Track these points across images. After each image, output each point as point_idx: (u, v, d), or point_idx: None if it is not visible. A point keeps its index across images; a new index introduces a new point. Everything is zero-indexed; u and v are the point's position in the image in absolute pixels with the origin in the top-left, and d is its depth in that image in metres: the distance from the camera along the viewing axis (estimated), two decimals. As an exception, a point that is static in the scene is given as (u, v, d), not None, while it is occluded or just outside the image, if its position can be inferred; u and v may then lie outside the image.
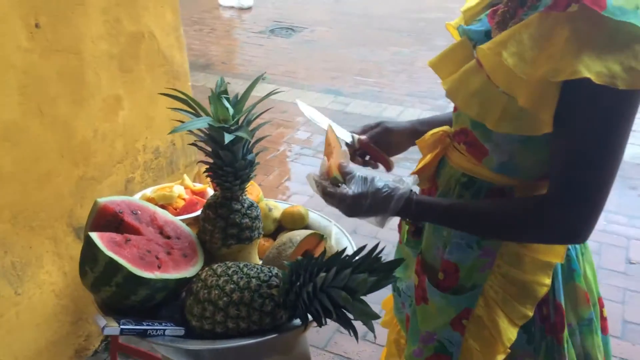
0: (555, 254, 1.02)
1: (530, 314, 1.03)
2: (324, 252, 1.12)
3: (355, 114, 4.33)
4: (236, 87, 4.37)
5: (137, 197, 1.46)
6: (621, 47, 0.78)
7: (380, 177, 1.02)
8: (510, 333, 1.04)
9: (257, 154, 1.28)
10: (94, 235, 1.09)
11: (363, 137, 1.25)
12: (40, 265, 1.82)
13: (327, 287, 1.06)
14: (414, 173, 1.14)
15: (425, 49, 5.73)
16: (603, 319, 1.15)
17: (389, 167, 1.27)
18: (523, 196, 1.02)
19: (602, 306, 1.15)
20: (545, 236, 0.96)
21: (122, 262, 1.08)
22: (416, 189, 1.12)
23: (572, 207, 0.88)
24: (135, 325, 1.08)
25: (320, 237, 1.36)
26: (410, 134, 1.24)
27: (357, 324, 1.07)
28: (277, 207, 1.51)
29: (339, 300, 1.05)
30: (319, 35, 6.36)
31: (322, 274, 1.07)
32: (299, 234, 1.33)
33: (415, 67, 5.29)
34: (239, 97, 1.28)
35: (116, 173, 2.10)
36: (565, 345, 1.06)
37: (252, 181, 1.36)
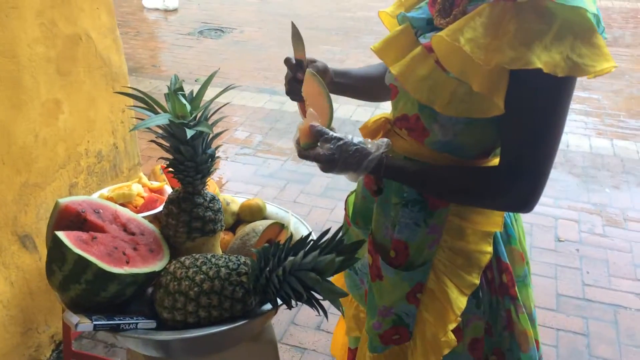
0: (493, 223, 1.12)
1: (477, 282, 1.13)
2: (290, 237, 1.17)
3: (291, 112, 4.39)
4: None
5: (95, 196, 1.45)
6: (561, 38, 0.88)
7: (353, 138, 1.06)
8: (460, 302, 1.13)
9: (216, 148, 1.32)
10: (61, 234, 1.09)
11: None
12: (-14, 276, 1.76)
13: (296, 270, 1.11)
14: None
15: (354, 47, 5.88)
16: (529, 272, 1.27)
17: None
18: None
19: (528, 261, 1.26)
20: (497, 203, 1.06)
21: (91, 259, 1.09)
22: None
23: (521, 179, 0.98)
24: (108, 320, 1.09)
25: (281, 225, 1.41)
26: (331, 74, 1.28)
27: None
28: (235, 201, 1.54)
29: (308, 281, 1.10)
30: (249, 35, 6.37)
31: (291, 258, 1.12)
32: (262, 224, 1.37)
33: (347, 64, 5.41)
34: (194, 94, 1.31)
35: (59, 178, 2.05)
36: (520, 297, 1.18)
37: (209, 177, 1.39)
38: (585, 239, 2.98)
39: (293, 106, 4.55)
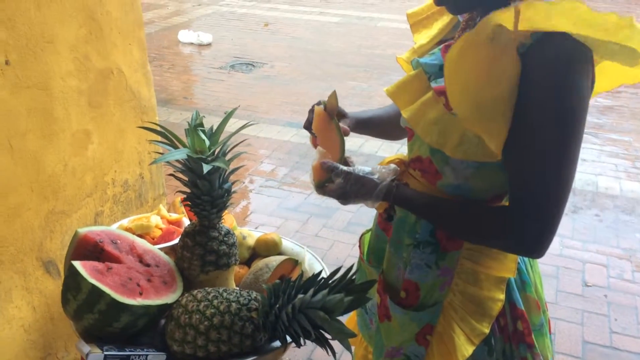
0: (507, 269, 1.10)
1: (487, 331, 1.10)
2: (301, 275, 1.17)
3: (317, 146, 4.42)
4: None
5: (114, 227, 1.48)
6: None
7: (361, 170, 1.10)
8: (466, 350, 1.10)
9: (233, 183, 1.34)
10: (77, 264, 1.12)
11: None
12: (9, 300, 1.80)
13: (305, 308, 1.11)
14: None
15: (382, 84, 5.93)
16: (548, 321, 1.24)
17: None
18: None
19: (546, 310, 1.23)
20: (505, 245, 1.03)
21: (105, 289, 1.11)
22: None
23: (530, 220, 0.95)
24: (118, 351, 1.10)
25: (295, 262, 1.41)
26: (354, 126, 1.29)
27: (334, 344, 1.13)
28: (251, 235, 1.56)
29: (317, 320, 1.10)
30: (279, 70, 6.49)
31: (300, 296, 1.12)
32: (275, 260, 1.38)
33: (374, 101, 5.46)
34: (214, 130, 1.34)
35: (85, 206, 2.10)
36: (537, 345, 1.14)
37: (226, 211, 1.41)
38: (613, 285, 2.89)
39: (319, 140, 4.58)
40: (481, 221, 1.04)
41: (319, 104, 1.18)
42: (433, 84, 1.06)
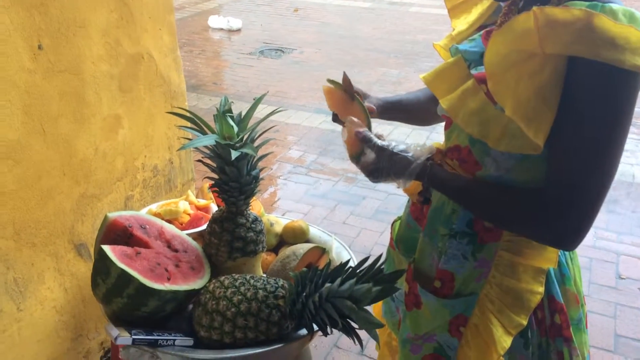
0: (547, 259, 1.07)
1: (525, 323, 1.08)
2: (329, 263, 1.16)
3: (346, 133, 4.40)
4: (228, 107, 4.41)
5: (143, 212, 1.49)
6: None
7: (397, 145, 1.07)
8: (504, 341, 1.08)
9: (260, 170, 1.33)
10: (107, 248, 1.12)
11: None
12: (41, 282, 1.84)
13: (332, 297, 1.10)
14: (405, 189, 1.19)
15: (413, 70, 5.85)
16: (585, 316, 1.21)
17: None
18: None
19: (584, 304, 1.20)
20: (538, 234, 0.99)
21: (134, 274, 1.11)
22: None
23: (570, 211, 0.92)
24: (146, 335, 1.11)
25: (322, 250, 1.40)
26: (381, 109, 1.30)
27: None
28: (279, 222, 1.55)
29: (344, 309, 1.09)
30: (308, 56, 6.46)
31: (328, 284, 1.11)
32: (302, 247, 1.37)
33: (404, 88, 5.39)
34: (242, 116, 1.33)
35: (116, 191, 2.13)
36: (575, 339, 1.12)
37: (254, 197, 1.41)
38: (649, 278, 2.82)
39: (348, 127, 4.55)
40: (516, 208, 1.00)
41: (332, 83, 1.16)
42: (473, 72, 1.01)
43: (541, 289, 1.07)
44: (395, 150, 1.05)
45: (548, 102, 0.89)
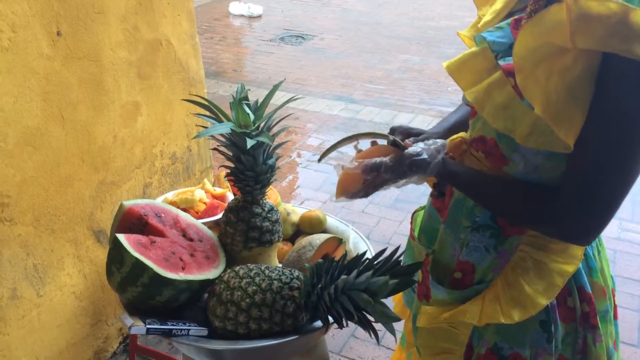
0: (572, 256, 1.04)
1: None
2: (345, 255, 1.14)
3: (367, 121, 4.36)
4: (248, 95, 4.41)
5: (159, 200, 1.49)
6: None
7: (409, 152, 1.08)
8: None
9: (277, 159, 1.31)
10: (121, 237, 1.12)
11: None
12: (61, 268, 1.85)
13: (348, 289, 1.08)
14: (430, 179, 1.19)
15: (435, 57, 5.76)
16: (615, 307, 1.18)
17: None
18: None
19: (614, 296, 1.18)
20: (553, 231, 0.98)
21: (148, 263, 1.11)
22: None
23: (589, 208, 0.90)
24: (161, 325, 1.10)
25: (339, 240, 1.38)
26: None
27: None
28: (295, 212, 1.53)
29: (360, 302, 1.07)
30: (329, 43, 6.40)
31: (344, 277, 1.09)
32: (319, 238, 1.35)
33: (425, 75, 5.32)
34: (258, 104, 1.31)
35: (135, 178, 2.13)
36: (601, 328, 1.10)
37: (270, 186, 1.39)
38: (676, 272, 2.74)
39: (368, 115, 4.52)
40: (531, 206, 0.98)
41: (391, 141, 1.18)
42: (501, 62, 0.97)
43: (545, 302, 1.04)
44: (410, 161, 1.06)
45: (579, 102, 0.85)
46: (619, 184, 0.88)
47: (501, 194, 1.02)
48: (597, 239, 1.10)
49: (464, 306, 1.09)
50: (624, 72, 0.82)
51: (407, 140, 1.19)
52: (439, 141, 1.08)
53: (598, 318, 1.10)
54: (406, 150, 1.07)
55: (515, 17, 1.01)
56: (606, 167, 0.87)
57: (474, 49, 1.03)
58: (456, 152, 1.14)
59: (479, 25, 1.12)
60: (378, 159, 1.08)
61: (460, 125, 1.26)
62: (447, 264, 1.15)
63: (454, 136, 1.17)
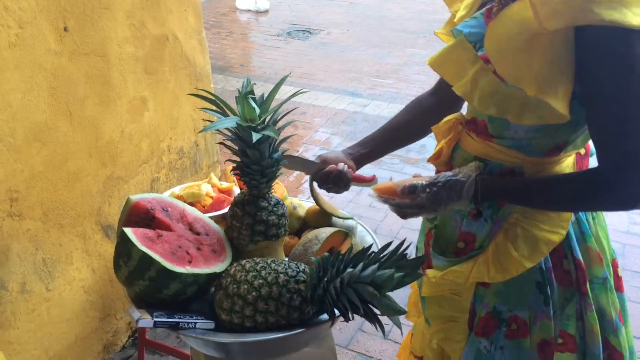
0: (557, 228, 1.09)
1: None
2: (351, 248, 1.14)
3: (373, 115, 4.35)
4: (255, 89, 4.41)
5: (166, 194, 1.49)
6: None
7: (444, 174, 1.10)
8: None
9: (282, 153, 1.31)
10: (128, 231, 1.12)
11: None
12: (69, 262, 1.87)
13: (354, 282, 1.08)
14: (430, 158, 1.25)
15: (442, 50, 5.73)
16: (618, 278, 1.21)
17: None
18: (532, 173, 1.10)
19: (616, 267, 1.21)
20: (608, 205, 1.01)
21: (155, 257, 1.11)
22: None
23: (629, 174, 0.91)
24: (168, 318, 1.11)
25: (345, 234, 1.38)
26: (348, 159, 1.38)
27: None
28: (302, 206, 1.54)
29: (366, 295, 1.07)
30: (336, 37, 6.39)
31: (350, 270, 1.09)
32: (325, 231, 1.35)
33: (430, 69, 5.29)
34: (264, 98, 1.31)
35: (142, 173, 2.14)
36: (590, 295, 1.13)
37: (277, 180, 1.39)
38: (686, 265, 2.72)
39: (375, 109, 4.51)
40: (578, 189, 1.00)
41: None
42: (480, 52, 1.01)
43: (529, 265, 1.09)
44: (444, 180, 1.08)
45: (564, 72, 0.91)
46: None
47: (549, 191, 1.05)
48: None
49: (455, 267, 1.16)
50: (600, 39, 0.87)
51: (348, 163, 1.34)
52: (473, 164, 1.10)
53: (588, 286, 1.14)
54: (441, 173, 1.10)
55: (488, 6, 1.04)
56: (626, 133, 0.90)
57: (452, 42, 1.08)
58: (453, 131, 1.21)
59: (455, 20, 1.17)
60: (415, 181, 1.11)
61: (404, 125, 1.36)
62: (449, 236, 1.21)
63: (449, 117, 1.23)
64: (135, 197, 1.24)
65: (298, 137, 4.04)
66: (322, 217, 1.49)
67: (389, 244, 1.14)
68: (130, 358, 2.18)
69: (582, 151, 1.15)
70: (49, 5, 1.65)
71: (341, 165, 1.34)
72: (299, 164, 1.37)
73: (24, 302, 1.73)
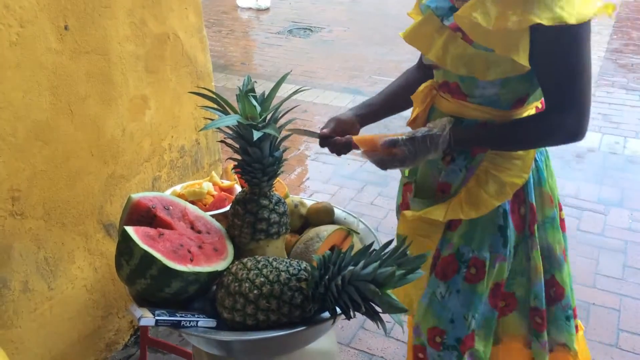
0: (519, 174, 1.28)
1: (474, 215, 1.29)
2: (352, 246, 1.14)
3: (375, 112, 4.35)
4: (256, 87, 4.40)
5: (168, 193, 1.49)
6: None
7: (419, 130, 1.23)
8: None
9: (283, 151, 1.31)
10: (130, 229, 1.12)
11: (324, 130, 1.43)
12: (72, 261, 1.87)
13: (355, 280, 1.08)
14: (408, 122, 1.41)
15: (444, 48, 5.72)
16: (561, 220, 1.42)
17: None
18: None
19: (560, 209, 1.42)
20: (558, 139, 1.22)
21: (157, 255, 1.11)
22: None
23: (570, 111, 1.16)
24: (170, 316, 1.11)
25: (347, 232, 1.38)
26: (356, 120, 1.45)
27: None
28: (303, 204, 1.54)
29: (367, 293, 1.07)
30: (337, 35, 6.38)
31: (351, 268, 1.09)
32: (326, 229, 1.35)
33: (434, 66, 5.29)
34: (265, 96, 1.31)
35: (144, 171, 2.14)
36: (537, 234, 1.34)
37: (278, 178, 1.39)
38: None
39: (377, 107, 4.49)
40: (534, 130, 1.22)
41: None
42: (446, 23, 1.20)
43: (497, 203, 1.27)
44: (422, 134, 1.21)
45: (522, 34, 1.11)
46: (584, 82, 1.15)
47: (511, 133, 1.25)
48: (544, 154, 1.36)
49: (432, 207, 1.32)
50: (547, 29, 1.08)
51: (324, 130, 1.39)
52: (445, 118, 1.25)
53: (545, 227, 1.36)
54: (418, 129, 1.23)
55: None
56: (572, 73, 1.14)
57: (421, 17, 1.26)
58: (428, 96, 1.37)
59: (422, 1, 1.32)
60: (395, 137, 1.22)
61: (401, 89, 1.48)
62: (429, 188, 1.39)
63: (424, 84, 1.39)
64: (136, 196, 1.24)
65: (299, 135, 4.03)
66: (324, 214, 1.49)
67: (390, 242, 1.14)
68: (133, 356, 2.19)
69: (540, 105, 1.33)
70: (50, 4, 1.65)
71: (346, 137, 1.38)
72: (303, 133, 1.45)
73: (26, 301, 1.73)
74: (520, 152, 1.28)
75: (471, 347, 1.37)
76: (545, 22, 1.07)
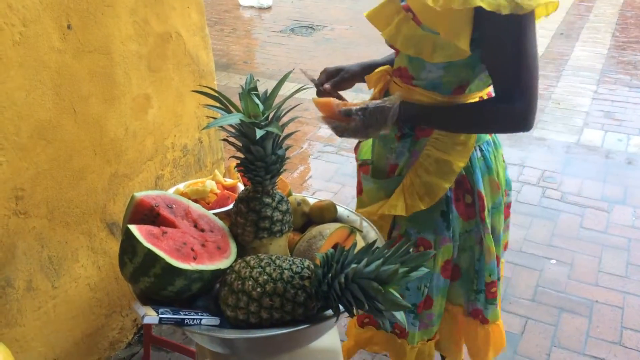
0: (462, 158, 1.37)
1: (423, 207, 1.41)
2: (355, 244, 1.14)
3: (377, 111, 4.34)
4: (258, 86, 4.40)
5: (171, 191, 1.50)
6: None
7: (373, 102, 1.29)
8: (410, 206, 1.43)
9: (286, 149, 1.31)
10: (133, 228, 1.13)
11: (327, 85, 1.60)
12: (75, 260, 1.88)
13: (358, 278, 1.08)
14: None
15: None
16: (507, 207, 1.56)
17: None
18: None
19: (506, 195, 1.53)
20: (504, 126, 1.29)
21: (160, 254, 1.11)
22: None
23: (516, 99, 1.21)
24: (173, 314, 1.11)
25: (350, 230, 1.38)
26: (360, 72, 1.58)
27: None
28: (306, 202, 1.53)
29: (370, 291, 1.07)
30: (339, 33, 6.38)
31: (354, 265, 1.09)
32: (329, 227, 1.35)
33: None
34: (268, 94, 1.31)
35: (147, 170, 2.15)
36: (488, 220, 1.45)
37: (281, 177, 1.39)
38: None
39: (379, 105, 4.49)
40: (481, 113, 1.29)
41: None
42: (402, 3, 1.27)
43: (447, 186, 1.38)
44: (374, 105, 1.27)
45: (466, 21, 1.18)
46: (530, 71, 1.20)
47: (456, 116, 1.32)
48: (492, 145, 1.44)
49: (391, 201, 1.43)
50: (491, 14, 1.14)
51: (325, 85, 1.58)
52: (396, 93, 1.32)
53: (492, 212, 1.47)
54: (372, 101, 1.30)
55: None
56: (518, 62, 1.19)
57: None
58: (383, 80, 1.46)
59: None
60: (350, 106, 1.29)
61: (377, 65, 1.55)
62: (382, 168, 1.50)
63: (380, 68, 1.49)
64: (139, 195, 1.24)
65: (302, 134, 4.04)
66: (327, 212, 1.49)
67: (393, 240, 1.14)
68: (136, 355, 2.19)
69: (485, 97, 1.39)
70: (53, 4, 1.66)
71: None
72: (309, 77, 1.64)
73: (30, 299, 1.74)
74: (462, 138, 1.36)
75: (427, 309, 1.56)
76: (485, 6, 1.12)
